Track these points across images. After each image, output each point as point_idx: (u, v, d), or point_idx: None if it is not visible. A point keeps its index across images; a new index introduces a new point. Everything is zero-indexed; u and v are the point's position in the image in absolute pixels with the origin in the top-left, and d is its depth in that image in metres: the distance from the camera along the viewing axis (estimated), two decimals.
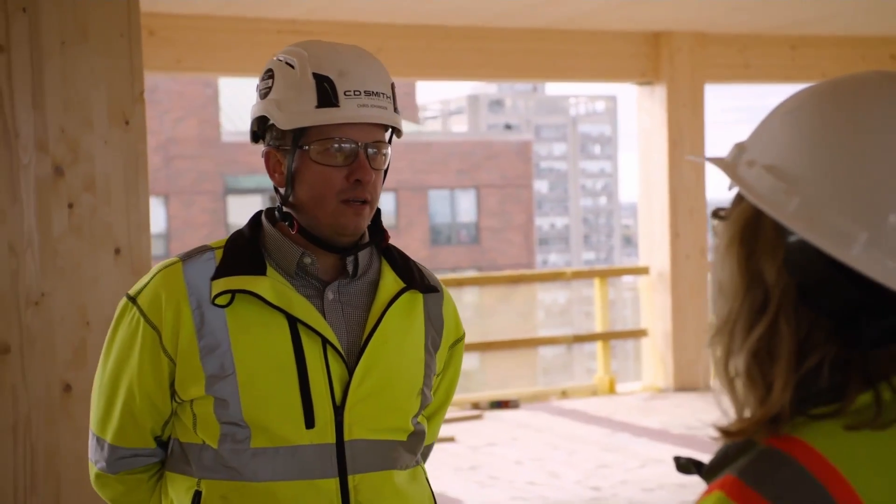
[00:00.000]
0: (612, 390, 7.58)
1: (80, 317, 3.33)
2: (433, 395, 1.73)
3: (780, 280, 0.88)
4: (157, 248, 20.90)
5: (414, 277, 1.65)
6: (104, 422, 1.65)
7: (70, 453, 3.32)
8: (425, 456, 1.80)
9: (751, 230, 0.91)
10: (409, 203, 25.18)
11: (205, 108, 22.05)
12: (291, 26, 6.42)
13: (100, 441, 1.67)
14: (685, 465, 0.94)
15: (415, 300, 1.65)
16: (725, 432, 0.89)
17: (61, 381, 3.31)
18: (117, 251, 3.38)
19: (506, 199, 26.32)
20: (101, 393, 1.65)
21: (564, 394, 7.49)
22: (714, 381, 0.93)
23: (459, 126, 71.40)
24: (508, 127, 69.53)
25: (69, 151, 3.31)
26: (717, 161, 0.95)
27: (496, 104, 77.29)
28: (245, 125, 24.21)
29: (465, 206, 26.38)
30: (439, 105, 76.35)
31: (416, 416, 1.66)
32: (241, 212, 22.43)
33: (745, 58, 7.57)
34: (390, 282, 1.63)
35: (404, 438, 1.64)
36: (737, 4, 6.67)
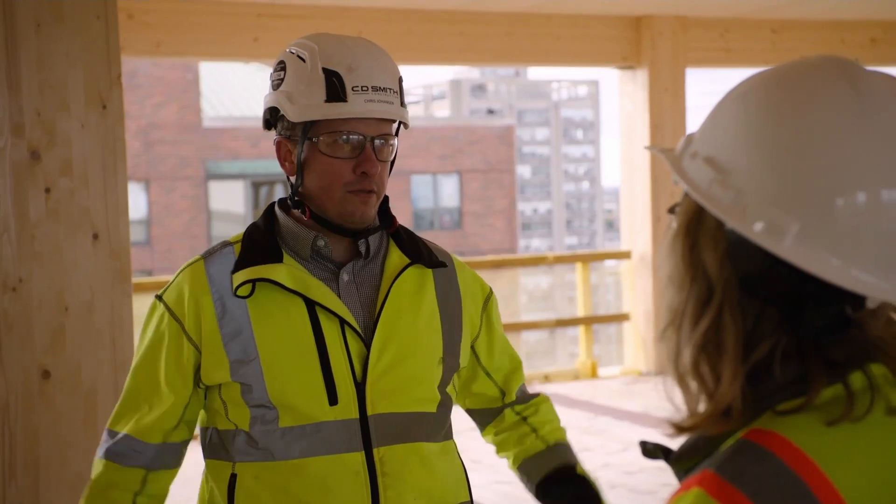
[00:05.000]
0: (594, 374, 7.60)
1: (59, 302, 3.31)
2: (493, 364, 1.79)
3: (722, 272, 0.88)
4: (137, 234, 20.75)
5: (420, 253, 1.70)
6: (121, 414, 1.69)
7: (49, 439, 3.30)
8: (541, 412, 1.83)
9: (694, 222, 0.90)
10: (392, 188, 25.03)
11: (186, 93, 21.89)
12: (272, 10, 6.37)
13: (110, 432, 1.71)
14: (652, 451, 0.94)
15: (424, 275, 1.71)
16: (679, 428, 0.89)
17: (39, 366, 3.29)
18: (95, 236, 3.35)
19: (488, 183, 26.30)
20: (128, 388, 1.70)
21: (547, 378, 7.51)
22: (665, 376, 0.92)
23: (442, 111, 71.29)
24: (491, 112, 69.50)
25: (45, 135, 3.28)
26: (666, 153, 0.95)
27: (478, 89, 77.20)
28: (226, 110, 24.08)
29: (448, 191, 26.35)
30: (421, 90, 76.20)
31: (444, 385, 1.70)
32: (222, 198, 22.29)
33: (726, 42, 7.58)
34: (395, 259, 1.70)
35: (433, 409, 1.68)
36: None
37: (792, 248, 0.84)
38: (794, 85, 0.88)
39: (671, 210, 0.95)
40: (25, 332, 3.27)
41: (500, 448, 1.86)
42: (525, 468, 1.79)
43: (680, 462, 0.89)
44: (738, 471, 0.82)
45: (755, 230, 0.85)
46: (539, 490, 1.76)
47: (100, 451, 1.70)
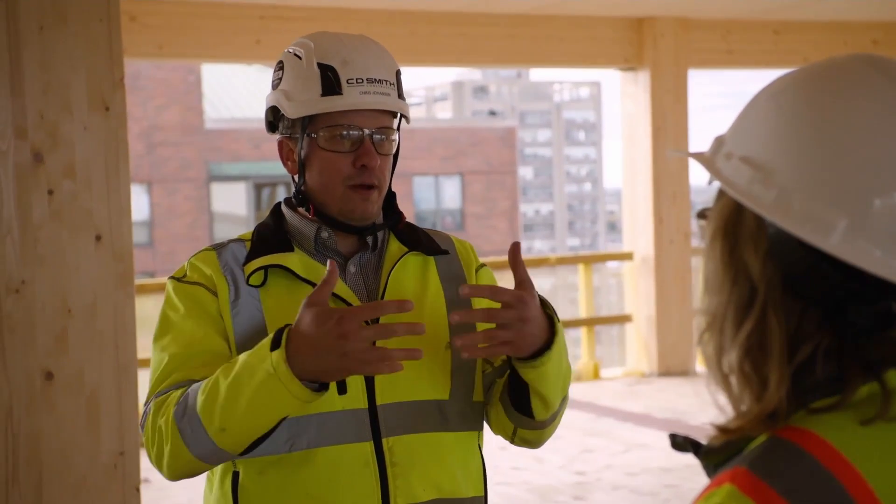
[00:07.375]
0: (596, 376, 7.60)
1: (62, 304, 3.31)
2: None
3: (764, 272, 0.87)
4: (139, 235, 20.75)
5: (419, 241, 1.70)
6: (164, 377, 1.60)
7: (51, 441, 3.30)
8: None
9: (733, 223, 0.90)
10: (394, 189, 25.11)
11: (188, 95, 21.90)
12: (274, 12, 6.38)
13: (153, 397, 1.60)
14: (682, 444, 0.92)
15: (426, 263, 1.70)
16: (724, 430, 0.87)
17: (42, 369, 3.29)
18: (98, 238, 3.35)
19: (490, 185, 26.30)
20: (158, 363, 1.62)
21: None
22: (708, 379, 0.91)
23: (444, 112, 71.31)
24: (493, 113, 69.45)
25: (48, 137, 3.28)
26: (697, 156, 0.94)
27: (480, 90, 77.18)
28: (228, 112, 24.08)
29: (450, 193, 26.35)
30: (423, 91, 76.20)
31: (459, 372, 1.65)
32: (224, 199, 22.30)
33: (728, 43, 7.58)
34: (394, 248, 1.70)
35: (445, 397, 1.64)
36: None
37: (839, 244, 0.83)
38: (829, 81, 0.88)
39: (701, 215, 0.94)
40: (28, 335, 3.27)
41: (496, 416, 1.70)
42: (502, 396, 1.67)
43: (710, 456, 0.88)
44: (772, 468, 0.81)
45: (802, 227, 0.84)
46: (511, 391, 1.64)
47: (145, 411, 1.60)
